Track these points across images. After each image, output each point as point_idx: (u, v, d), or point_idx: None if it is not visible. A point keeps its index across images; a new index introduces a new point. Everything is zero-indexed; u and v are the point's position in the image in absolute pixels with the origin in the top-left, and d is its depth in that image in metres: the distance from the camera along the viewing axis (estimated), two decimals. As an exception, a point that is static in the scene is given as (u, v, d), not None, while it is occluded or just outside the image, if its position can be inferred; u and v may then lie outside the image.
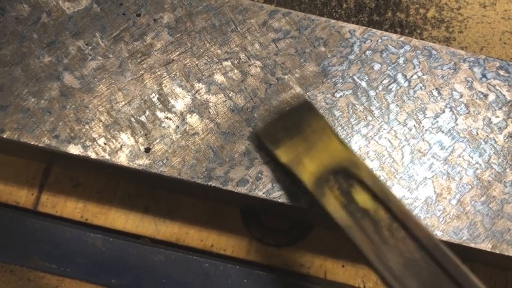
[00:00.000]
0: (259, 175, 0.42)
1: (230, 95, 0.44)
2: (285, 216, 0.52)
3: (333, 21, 0.45)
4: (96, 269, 0.50)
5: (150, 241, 0.51)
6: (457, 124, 0.44)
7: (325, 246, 0.51)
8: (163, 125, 0.43)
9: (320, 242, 0.51)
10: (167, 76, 0.44)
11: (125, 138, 0.43)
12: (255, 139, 0.43)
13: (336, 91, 0.44)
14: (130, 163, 0.42)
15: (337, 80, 0.44)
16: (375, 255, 0.36)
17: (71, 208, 0.52)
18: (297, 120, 0.41)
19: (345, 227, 0.37)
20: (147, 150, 0.42)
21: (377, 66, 0.45)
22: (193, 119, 0.43)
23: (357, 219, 0.37)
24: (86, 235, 0.51)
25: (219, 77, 0.44)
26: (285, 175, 0.42)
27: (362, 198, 0.38)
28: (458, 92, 0.44)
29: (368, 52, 0.45)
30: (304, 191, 0.41)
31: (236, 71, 0.44)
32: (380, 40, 0.45)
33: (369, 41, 0.45)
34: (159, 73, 0.44)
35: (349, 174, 0.39)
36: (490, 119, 0.44)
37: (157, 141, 0.43)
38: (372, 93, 0.44)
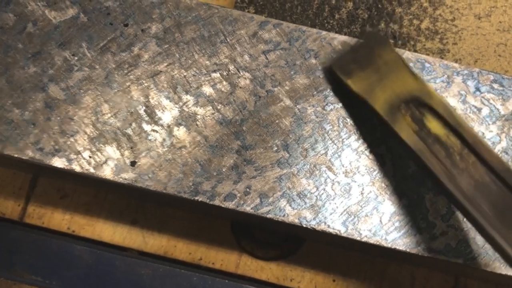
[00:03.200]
0: (247, 189, 0.42)
1: (219, 107, 0.43)
2: (276, 230, 0.51)
3: (324, 32, 0.45)
4: (82, 282, 0.49)
5: (138, 253, 0.50)
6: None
7: (316, 260, 0.50)
8: (149, 138, 0.42)
9: (311, 256, 0.50)
10: (154, 88, 0.43)
11: (111, 151, 0.42)
12: (327, 71, 0.44)
13: (326, 104, 0.43)
14: (115, 176, 0.41)
15: (327, 93, 0.44)
16: (446, 177, 0.38)
17: (58, 219, 0.51)
18: (368, 52, 0.43)
19: (417, 150, 0.39)
20: (133, 163, 0.41)
21: (368, 79, 0.44)
22: (180, 132, 0.42)
23: (428, 144, 0.39)
24: (73, 247, 0.50)
25: (207, 89, 0.43)
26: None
27: (433, 125, 0.40)
28: (451, 106, 0.44)
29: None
30: (376, 120, 0.42)
31: (225, 83, 0.43)
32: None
33: (360, 53, 0.44)
34: (146, 84, 0.43)
35: (421, 103, 0.40)
36: (483, 133, 0.43)
37: (143, 154, 0.42)
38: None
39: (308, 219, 0.41)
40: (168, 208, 0.51)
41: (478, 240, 0.42)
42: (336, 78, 0.43)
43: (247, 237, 0.51)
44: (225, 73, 0.44)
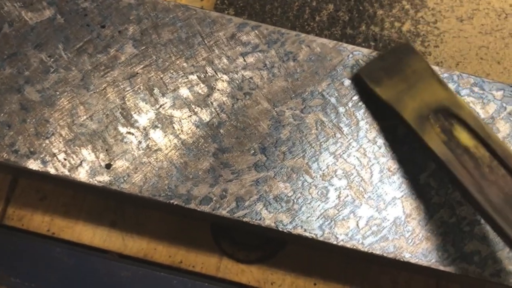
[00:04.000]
0: (224, 193, 0.41)
1: (196, 110, 0.43)
2: (257, 232, 0.50)
3: (303, 35, 0.44)
4: (62, 285, 0.49)
5: (118, 256, 0.50)
6: (428, 143, 0.43)
7: (297, 264, 0.50)
8: (125, 140, 0.42)
9: (292, 259, 0.50)
10: (131, 90, 0.43)
11: (86, 153, 0.41)
12: (354, 78, 0.43)
13: (304, 107, 0.43)
14: (90, 179, 0.41)
15: (306, 96, 0.43)
16: (475, 188, 0.38)
17: (38, 221, 0.51)
18: (397, 61, 0.43)
19: (446, 161, 0.39)
20: (108, 166, 0.41)
21: (347, 82, 0.44)
22: (156, 135, 0.42)
23: (457, 155, 0.39)
24: (53, 249, 0.49)
25: (184, 91, 0.43)
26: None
27: (463, 136, 0.40)
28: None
29: (338, 67, 0.44)
30: (405, 128, 0.42)
31: (202, 85, 0.43)
32: (351, 55, 0.44)
33: (340, 56, 0.44)
34: (122, 86, 0.43)
35: (450, 113, 0.40)
36: (463, 137, 0.43)
37: (118, 157, 0.41)
38: (341, 109, 0.43)
39: (285, 223, 0.41)
40: (147, 210, 0.50)
41: (455, 244, 0.41)
42: (363, 86, 0.43)
43: (227, 239, 0.51)
44: (202, 76, 0.43)
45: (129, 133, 0.42)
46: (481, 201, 0.38)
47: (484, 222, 0.41)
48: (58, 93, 0.42)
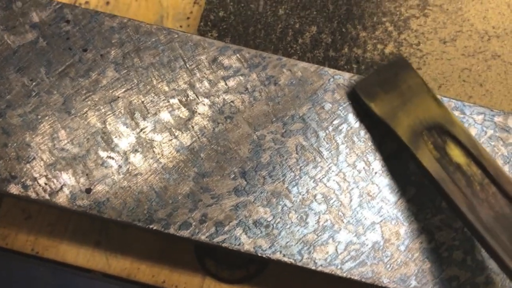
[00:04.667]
0: (203, 218, 0.42)
1: (176, 134, 0.43)
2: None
3: (285, 59, 0.44)
4: (46, 304, 0.49)
5: (101, 276, 0.50)
6: (408, 168, 0.43)
7: (281, 283, 0.50)
8: (105, 164, 0.42)
9: (276, 279, 0.50)
10: (112, 114, 0.43)
11: (66, 178, 0.42)
12: (350, 94, 0.44)
13: (285, 131, 0.43)
14: (70, 204, 0.41)
15: (286, 120, 0.43)
16: (466, 206, 0.38)
17: (22, 241, 0.51)
18: (392, 76, 0.43)
19: (439, 179, 0.39)
20: (88, 190, 0.41)
21: (328, 106, 0.44)
22: (137, 159, 0.42)
23: (450, 172, 0.39)
24: (37, 269, 0.50)
25: (165, 115, 0.43)
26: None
27: (455, 153, 0.40)
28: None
29: (319, 91, 0.44)
30: (399, 145, 0.42)
31: (183, 109, 0.43)
32: (332, 79, 0.44)
33: (321, 80, 0.44)
34: (103, 110, 0.43)
35: (443, 130, 0.41)
36: (443, 161, 0.43)
37: (98, 181, 0.42)
38: (322, 133, 0.43)
39: (264, 248, 0.41)
40: (132, 230, 0.50)
41: (434, 270, 0.41)
42: (359, 101, 0.43)
43: (211, 258, 0.51)
44: (183, 99, 0.43)
45: (110, 157, 0.42)
46: (472, 220, 0.38)
47: (463, 247, 0.42)
48: (39, 117, 0.43)
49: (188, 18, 0.53)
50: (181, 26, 0.54)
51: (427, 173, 0.40)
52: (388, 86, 0.43)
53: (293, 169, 0.43)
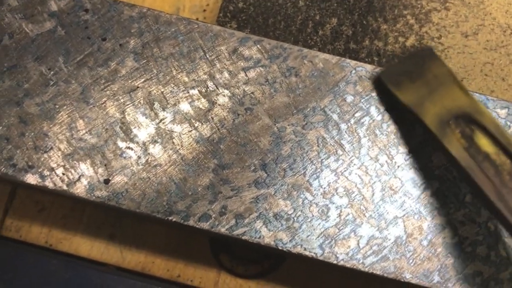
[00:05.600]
0: (223, 210, 0.41)
1: (196, 125, 0.42)
2: (256, 248, 0.50)
3: (306, 50, 0.44)
4: (59, 297, 0.49)
5: (115, 269, 0.50)
6: (431, 161, 0.42)
7: (297, 279, 0.49)
8: (124, 155, 0.41)
9: (292, 274, 0.49)
10: (131, 104, 0.42)
11: (84, 168, 0.41)
12: (375, 82, 0.43)
13: (306, 124, 0.43)
14: (88, 194, 0.41)
15: (307, 112, 0.43)
16: (496, 196, 0.37)
17: (36, 233, 0.50)
18: (419, 65, 0.42)
19: (467, 168, 0.38)
20: (107, 181, 0.41)
21: (349, 98, 0.43)
22: (156, 150, 0.42)
23: (478, 161, 0.39)
24: (50, 262, 0.49)
25: (185, 106, 0.42)
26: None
27: (483, 142, 0.39)
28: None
29: (341, 83, 0.43)
30: (425, 133, 0.42)
31: (203, 100, 0.43)
32: (354, 71, 0.43)
33: (342, 72, 0.43)
34: (122, 100, 0.42)
35: (471, 119, 0.40)
36: (466, 155, 0.42)
37: (117, 172, 0.41)
38: (343, 126, 0.43)
39: (284, 241, 0.41)
40: (146, 223, 0.50)
41: (457, 265, 0.41)
42: (384, 90, 0.43)
43: (226, 253, 0.50)
44: (203, 90, 0.43)
45: (129, 148, 0.41)
46: (501, 208, 0.37)
47: (486, 242, 0.41)
48: (57, 106, 0.42)
49: (204, 10, 0.53)
50: (197, 19, 0.53)
51: (455, 161, 0.39)
52: (414, 75, 0.42)
53: (314, 162, 0.42)
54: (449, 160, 0.40)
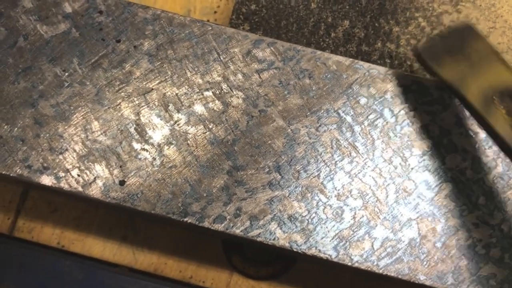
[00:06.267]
0: (238, 211, 0.41)
1: (210, 126, 0.42)
2: (269, 249, 0.50)
3: (319, 52, 0.44)
4: (71, 298, 0.49)
5: (128, 270, 0.50)
6: (444, 163, 0.42)
7: (308, 280, 0.49)
8: (139, 157, 0.41)
9: (303, 276, 0.49)
10: (146, 106, 0.42)
11: (100, 169, 0.41)
12: (415, 57, 0.42)
13: (320, 125, 0.43)
14: (104, 196, 0.41)
15: (321, 114, 0.43)
16: None
17: (48, 234, 0.50)
18: (459, 41, 0.41)
19: None
20: (122, 182, 0.41)
21: (363, 100, 0.43)
22: (171, 151, 0.42)
23: None
24: (62, 262, 0.49)
25: (199, 108, 0.43)
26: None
27: None
28: (446, 129, 0.43)
29: (354, 86, 0.43)
30: (469, 110, 0.40)
31: (217, 102, 0.43)
32: (367, 73, 0.44)
33: (356, 74, 0.44)
34: (137, 102, 0.42)
35: None
36: (480, 157, 0.43)
37: (132, 173, 0.41)
38: (357, 128, 0.43)
39: (299, 243, 0.41)
40: (158, 225, 0.50)
41: (471, 267, 0.41)
42: (425, 66, 0.42)
43: (238, 255, 0.50)
44: (217, 92, 0.43)
45: (144, 149, 0.42)
46: None
47: (500, 244, 0.41)
48: (72, 108, 0.42)
49: (215, 12, 0.53)
50: (208, 20, 0.53)
51: (501, 140, 0.38)
52: (455, 51, 0.41)
53: (328, 164, 0.42)
54: (493, 138, 0.39)
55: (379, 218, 0.41)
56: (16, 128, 0.42)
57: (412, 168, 0.42)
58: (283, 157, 0.42)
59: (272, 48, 0.44)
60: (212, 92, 0.43)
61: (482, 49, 0.41)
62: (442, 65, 0.41)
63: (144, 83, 0.43)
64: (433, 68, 0.41)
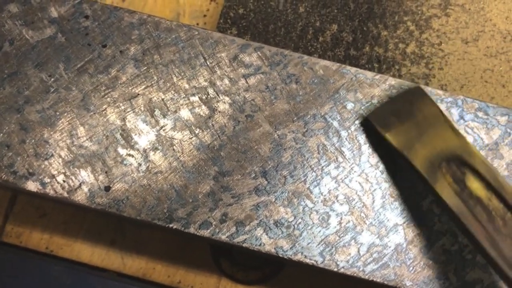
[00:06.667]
0: (224, 217, 0.41)
1: (196, 132, 0.42)
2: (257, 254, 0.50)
3: (306, 57, 0.44)
4: (59, 303, 0.49)
5: (116, 275, 0.50)
6: (431, 168, 0.42)
7: (297, 285, 0.49)
8: (124, 162, 0.41)
9: (292, 281, 0.49)
10: (131, 111, 0.42)
11: (85, 175, 0.41)
12: (364, 123, 0.42)
13: (306, 131, 0.43)
14: (89, 201, 0.41)
15: (308, 119, 0.43)
16: (488, 242, 0.36)
17: (37, 239, 0.50)
18: (408, 105, 0.41)
19: (459, 213, 0.37)
20: (107, 188, 0.41)
21: (350, 105, 0.43)
22: (157, 157, 0.42)
23: (470, 207, 0.37)
24: (51, 268, 0.49)
25: (185, 113, 0.43)
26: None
27: (475, 186, 0.38)
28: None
29: (341, 91, 0.43)
30: (416, 176, 0.40)
31: (203, 107, 0.43)
32: (354, 78, 0.44)
33: (343, 78, 0.43)
34: (123, 107, 0.42)
35: (462, 162, 0.39)
36: (466, 162, 0.42)
37: (118, 179, 0.41)
38: (344, 133, 0.43)
39: (285, 248, 0.41)
40: (147, 229, 0.50)
41: (457, 273, 0.41)
42: (373, 130, 0.42)
43: (227, 259, 0.50)
44: (204, 97, 0.43)
45: (129, 155, 0.41)
46: (495, 256, 0.36)
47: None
48: (58, 113, 0.42)
49: (204, 15, 0.53)
50: (197, 24, 0.53)
51: (446, 207, 0.38)
52: (403, 116, 0.41)
53: (314, 169, 0.42)
54: (440, 205, 0.39)
55: (365, 224, 0.41)
56: (1, 134, 0.41)
57: (398, 174, 0.42)
58: (269, 163, 0.42)
59: (259, 52, 0.44)
60: (199, 97, 0.43)
61: (430, 114, 0.41)
62: (391, 130, 0.41)
63: (130, 88, 0.43)
64: (381, 133, 0.41)
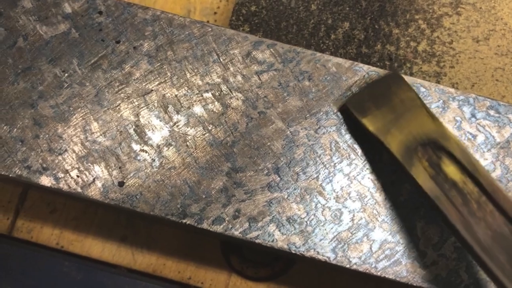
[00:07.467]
0: (236, 213, 0.41)
1: (210, 128, 0.42)
2: (267, 250, 0.50)
3: (318, 54, 0.44)
4: (70, 298, 0.49)
5: (127, 271, 0.50)
6: (443, 166, 0.42)
7: (307, 281, 0.49)
8: (138, 158, 0.41)
9: (302, 277, 0.49)
10: (145, 107, 0.42)
11: (99, 170, 0.41)
12: (342, 109, 0.42)
13: (319, 128, 0.43)
14: (103, 197, 0.41)
15: (320, 116, 0.43)
16: (463, 226, 0.36)
17: (47, 234, 0.50)
18: (385, 90, 0.41)
19: (434, 197, 0.37)
20: (121, 184, 0.41)
21: (362, 103, 0.43)
22: (170, 153, 0.42)
23: (445, 190, 0.38)
24: (61, 263, 0.49)
25: (198, 109, 0.43)
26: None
27: (450, 170, 0.38)
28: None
29: (354, 88, 0.43)
30: (392, 161, 0.40)
31: (216, 103, 0.43)
32: (366, 75, 0.44)
33: (355, 76, 0.44)
34: (136, 103, 0.42)
35: (438, 146, 0.39)
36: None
37: (131, 174, 0.41)
38: (356, 130, 0.43)
39: (297, 245, 0.41)
40: (158, 225, 0.50)
41: (469, 270, 0.41)
42: (351, 116, 0.42)
43: (237, 256, 0.50)
44: (217, 93, 0.43)
45: (143, 150, 0.42)
46: (469, 240, 0.36)
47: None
48: (71, 108, 0.42)
49: (215, 13, 0.53)
50: (208, 21, 0.53)
51: (421, 191, 0.38)
52: (380, 101, 0.41)
53: (327, 166, 0.42)
54: (416, 189, 0.39)
55: (378, 220, 0.41)
56: (15, 129, 0.42)
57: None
58: (282, 159, 0.42)
59: (271, 49, 0.44)
60: (212, 94, 0.43)
61: (407, 98, 0.41)
62: (367, 116, 0.41)
63: (144, 84, 0.43)
64: (358, 119, 0.41)
